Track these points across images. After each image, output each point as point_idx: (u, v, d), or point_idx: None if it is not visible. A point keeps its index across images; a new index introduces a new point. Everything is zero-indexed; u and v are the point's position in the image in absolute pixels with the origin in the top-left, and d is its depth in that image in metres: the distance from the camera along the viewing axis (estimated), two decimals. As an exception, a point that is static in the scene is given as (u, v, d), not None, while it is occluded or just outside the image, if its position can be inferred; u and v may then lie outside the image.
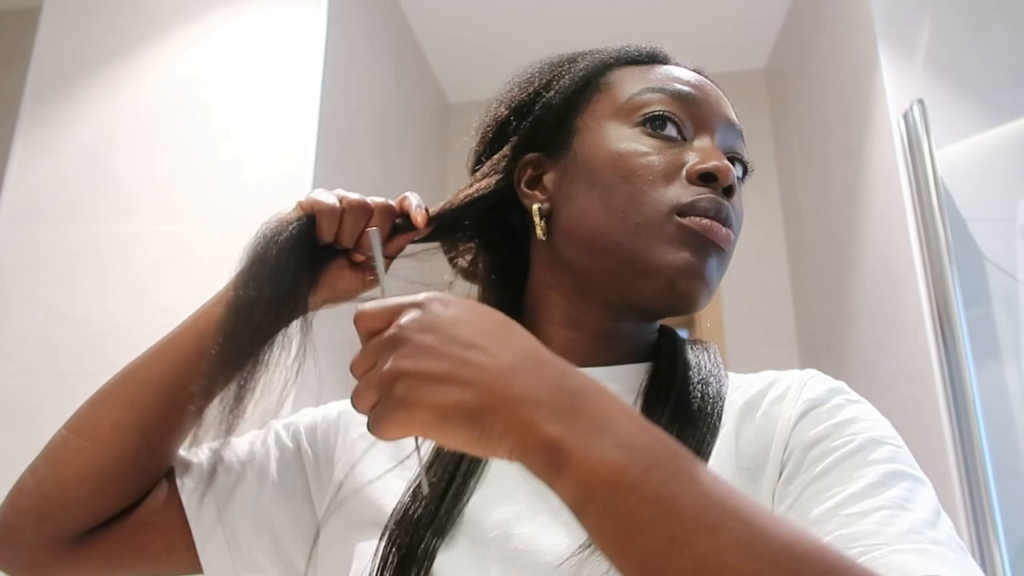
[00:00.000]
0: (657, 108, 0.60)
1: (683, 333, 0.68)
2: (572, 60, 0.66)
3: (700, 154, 0.59)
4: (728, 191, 0.58)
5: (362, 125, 2.09)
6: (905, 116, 1.66)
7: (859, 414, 0.54)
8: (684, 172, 0.58)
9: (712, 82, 0.65)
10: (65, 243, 1.73)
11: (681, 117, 0.60)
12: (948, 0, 1.77)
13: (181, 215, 1.73)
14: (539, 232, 0.62)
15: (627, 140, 0.60)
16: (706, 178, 0.58)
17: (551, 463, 0.37)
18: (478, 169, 0.68)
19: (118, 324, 1.65)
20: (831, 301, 2.19)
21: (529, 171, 0.65)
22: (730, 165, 0.59)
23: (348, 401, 0.67)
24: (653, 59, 0.65)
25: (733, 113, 0.64)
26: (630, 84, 0.62)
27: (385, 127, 2.29)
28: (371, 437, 0.65)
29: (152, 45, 1.88)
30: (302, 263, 0.60)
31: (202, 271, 1.68)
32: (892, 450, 0.51)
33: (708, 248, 0.57)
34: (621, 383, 0.62)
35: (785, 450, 0.55)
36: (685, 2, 2.52)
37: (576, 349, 0.63)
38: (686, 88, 0.61)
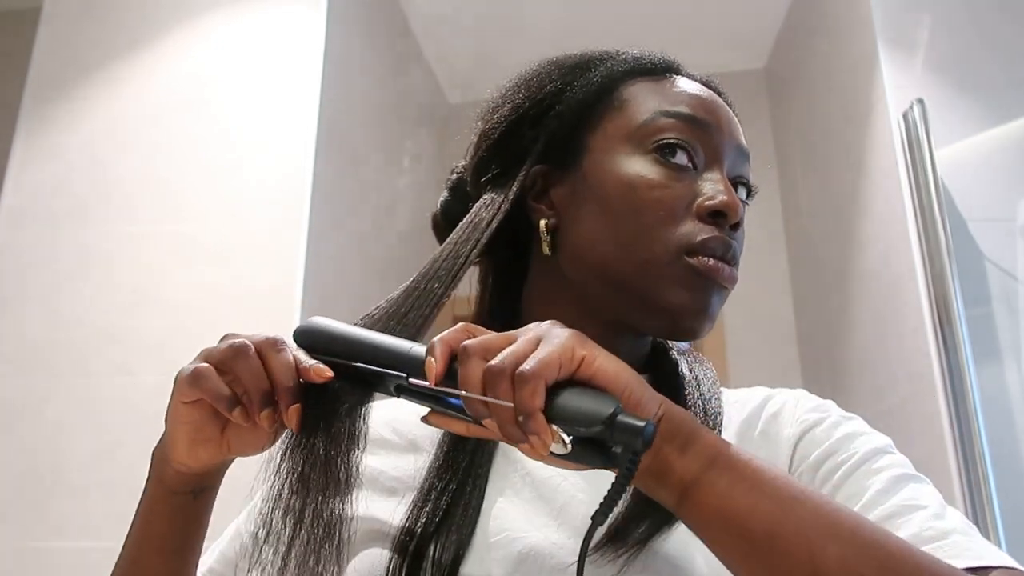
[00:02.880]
0: (670, 136, 0.59)
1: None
2: (585, 67, 0.65)
3: (711, 189, 0.59)
4: (736, 225, 0.59)
5: (362, 125, 2.09)
6: (905, 116, 1.66)
7: (855, 429, 0.59)
8: (694, 207, 0.58)
9: (722, 96, 0.65)
10: (65, 243, 1.73)
11: (693, 144, 0.60)
12: (948, 0, 1.77)
13: (181, 215, 1.73)
14: (545, 248, 0.62)
15: (639, 168, 0.59)
16: (715, 215, 0.58)
17: (687, 437, 0.45)
18: (487, 177, 0.66)
19: (118, 324, 1.65)
20: (831, 301, 2.19)
21: (538, 183, 0.64)
22: (739, 201, 0.59)
23: None
24: (667, 69, 0.65)
25: (742, 135, 0.64)
26: (644, 105, 0.61)
27: (385, 127, 2.29)
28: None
29: (151, 46, 1.88)
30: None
31: (202, 271, 1.68)
32: (892, 457, 0.56)
33: (712, 288, 0.58)
34: None
35: (790, 471, 0.58)
36: (685, 2, 2.52)
37: None
38: (700, 114, 0.61)
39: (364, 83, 2.11)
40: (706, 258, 0.57)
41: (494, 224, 0.61)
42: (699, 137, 0.60)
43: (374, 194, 2.16)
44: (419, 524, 0.55)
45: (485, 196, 0.64)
